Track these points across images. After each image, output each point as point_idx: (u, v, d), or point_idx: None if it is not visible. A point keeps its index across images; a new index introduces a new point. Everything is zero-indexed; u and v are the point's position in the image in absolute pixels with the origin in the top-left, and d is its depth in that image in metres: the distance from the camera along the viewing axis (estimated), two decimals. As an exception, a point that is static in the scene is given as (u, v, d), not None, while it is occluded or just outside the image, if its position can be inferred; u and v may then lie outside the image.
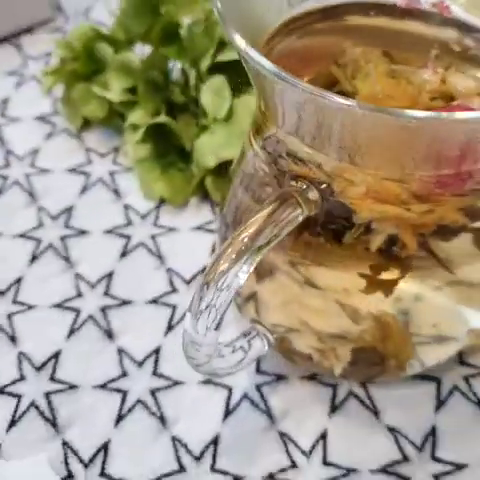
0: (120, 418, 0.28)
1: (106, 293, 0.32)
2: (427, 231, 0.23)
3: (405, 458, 0.27)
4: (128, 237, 0.34)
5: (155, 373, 0.29)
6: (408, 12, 0.25)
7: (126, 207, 0.35)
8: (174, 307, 0.31)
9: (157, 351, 0.30)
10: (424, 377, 0.29)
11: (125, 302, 0.31)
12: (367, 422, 0.28)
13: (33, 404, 0.28)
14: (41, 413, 0.28)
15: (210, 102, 0.34)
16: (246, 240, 0.20)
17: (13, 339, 0.30)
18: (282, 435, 0.28)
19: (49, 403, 0.28)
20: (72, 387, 0.29)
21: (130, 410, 0.28)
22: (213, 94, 0.34)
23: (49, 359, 0.30)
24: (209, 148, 0.34)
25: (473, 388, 0.29)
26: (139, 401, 0.28)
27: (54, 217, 0.34)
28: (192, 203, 0.35)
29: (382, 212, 0.22)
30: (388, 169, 0.21)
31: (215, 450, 0.27)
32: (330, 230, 0.24)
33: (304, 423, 0.28)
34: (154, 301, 0.31)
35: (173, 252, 0.33)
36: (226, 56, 0.34)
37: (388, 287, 0.25)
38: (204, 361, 0.22)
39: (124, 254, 0.33)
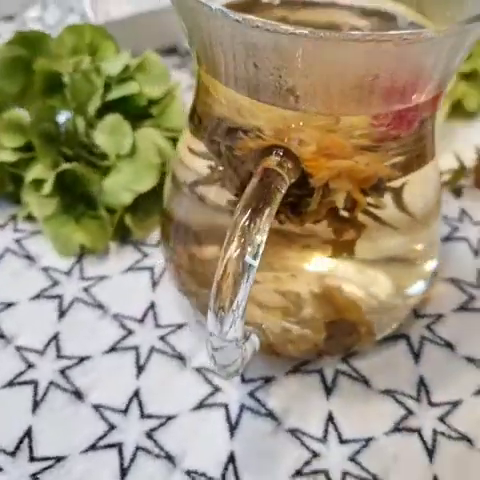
0: (124, 473, 0.26)
1: (59, 356, 0.29)
2: (368, 186, 0.25)
3: (410, 412, 0.28)
4: (60, 297, 0.32)
5: (143, 415, 0.27)
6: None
7: (45, 269, 0.33)
8: (136, 348, 0.30)
9: (137, 394, 0.28)
10: (394, 337, 0.30)
11: (83, 358, 0.29)
12: (362, 393, 0.28)
13: (22, 492, 0.25)
14: (35, 498, 0.25)
15: (107, 142, 0.33)
16: (248, 227, 0.20)
17: (-29, 434, 0.26)
18: (292, 431, 0.27)
19: (40, 485, 0.25)
20: (59, 459, 0.26)
21: (132, 460, 0.26)
22: (108, 134, 0.34)
23: (21, 441, 0.26)
24: (120, 186, 0.33)
25: (437, 333, 0.31)
26: (138, 448, 0.26)
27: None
28: (113, 248, 0.34)
29: (336, 168, 0.23)
30: (337, 108, 0.22)
31: (235, 468, 0.26)
32: (289, 204, 0.25)
33: (308, 413, 0.28)
34: (113, 349, 0.30)
35: (112, 298, 0.32)
36: (116, 93, 0.34)
37: (351, 247, 0.26)
38: (233, 361, 0.22)
39: (62, 314, 0.31)
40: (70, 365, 0.29)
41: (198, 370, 0.29)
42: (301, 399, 0.28)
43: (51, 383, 0.28)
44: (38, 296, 0.32)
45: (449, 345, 0.30)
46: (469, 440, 0.27)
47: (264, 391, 0.28)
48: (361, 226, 0.26)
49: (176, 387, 0.28)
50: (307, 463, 0.26)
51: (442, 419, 0.28)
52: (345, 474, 0.26)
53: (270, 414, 0.27)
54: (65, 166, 0.32)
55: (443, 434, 0.27)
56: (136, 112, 0.34)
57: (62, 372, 0.29)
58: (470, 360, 0.30)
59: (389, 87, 0.21)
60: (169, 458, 0.26)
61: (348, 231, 0.26)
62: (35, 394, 0.28)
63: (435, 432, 0.27)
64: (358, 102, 0.22)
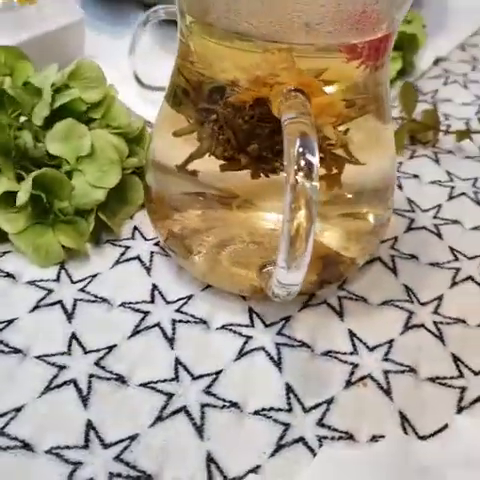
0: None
1: (86, 351, 0.29)
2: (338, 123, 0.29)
3: (410, 312, 0.32)
4: (60, 301, 0.31)
5: (193, 378, 0.28)
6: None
7: (31, 282, 0.32)
8: (159, 325, 0.31)
9: (179, 363, 0.29)
10: (370, 261, 0.35)
11: (111, 347, 0.29)
12: (366, 309, 0.32)
13: None
14: None
15: (63, 148, 0.34)
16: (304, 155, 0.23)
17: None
18: (327, 353, 0.30)
19: None
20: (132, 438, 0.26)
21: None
22: (63, 140, 0.34)
23: (87, 434, 0.26)
24: (89, 185, 0.34)
25: (401, 251, 0.36)
26: (203, 405, 0.27)
27: None
28: (91, 250, 0.34)
29: (319, 105, 0.27)
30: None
31: (296, 396, 0.28)
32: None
33: (332, 336, 0.31)
34: (137, 332, 0.30)
35: (113, 291, 0.32)
36: (62, 100, 0.34)
37: (338, 181, 0.30)
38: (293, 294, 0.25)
39: (70, 316, 0.31)
40: (102, 356, 0.29)
41: (224, 328, 0.31)
42: (321, 326, 0.31)
43: (91, 376, 0.28)
44: (37, 307, 0.31)
45: (413, 256, 0.35)
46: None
47: (288, 328, 0.31)
48: (343, 160, 0.30)
49: (212, 347, 0.30)
50: (352, 374, 0.29)
51: (436, 311, 0.33)
52: (386, 372, 0.29)
53: (303, 344, 0.30)
54: (40, 171, 0.32)
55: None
56: (77, 118, 0.35)
57: (97, 364, 0.29)
58: (434, 264, 0.35)
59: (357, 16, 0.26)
60: (234, 405, 0.27)
61: (333, 166, 0.30)
62: (79, 390, 0.28)
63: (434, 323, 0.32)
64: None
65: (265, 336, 0.30)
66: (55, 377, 0.28)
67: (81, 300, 0.32)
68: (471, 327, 0.32)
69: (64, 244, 0.33)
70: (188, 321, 0.31)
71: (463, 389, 0.29)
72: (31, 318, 0.31)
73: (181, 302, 0.32)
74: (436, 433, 0.27)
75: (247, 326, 0.31)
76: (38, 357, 0.29)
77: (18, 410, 0.27)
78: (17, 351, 0.29)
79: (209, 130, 0.29)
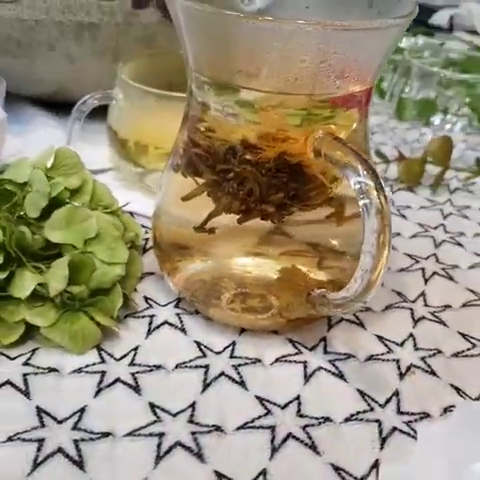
0: (312, 447, 0.29)
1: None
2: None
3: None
4: (116, 381, 0.31)
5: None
6: None
7: (77, 372, 0.32)
8: (206, 367, 0.32)
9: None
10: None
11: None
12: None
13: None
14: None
15: (67, 234, 0.34)
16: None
17: None
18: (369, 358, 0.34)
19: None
20: None
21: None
22: (64, 227, 0.34)
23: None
24: (105, 264, 0.34)
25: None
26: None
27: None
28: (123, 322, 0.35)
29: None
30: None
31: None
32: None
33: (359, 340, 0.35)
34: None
35: (163, 355, 0.33)
36: (59, 187, 0.35)
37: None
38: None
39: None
40: (191, 413, 0.30)
41: (278, 361, 0.33)
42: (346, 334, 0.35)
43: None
44: (100, 390, 0.31)
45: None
46: (451, 303, 0.39)
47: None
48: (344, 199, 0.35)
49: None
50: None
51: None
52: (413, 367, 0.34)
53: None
54: (66, 257, 0.32)
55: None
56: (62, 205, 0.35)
57: (190, 421, 0.29)
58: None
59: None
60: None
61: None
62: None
63: (433, 310, 0.38)
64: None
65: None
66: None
67: (138, 373, 0.32)
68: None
69: (102, 323, 0.33)
70: (246, 363, 0.33)
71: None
72: (101, 402, 0.30)
73: (229, 349, 0.34)
74: None
75: (297, 353, 0.34)
76: (129, 434, 0.29)
77: None
78: (106, 434, 0.29)
79: (227, 188, 0.32)
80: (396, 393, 0.32)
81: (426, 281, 0.41)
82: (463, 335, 0.36)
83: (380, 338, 0.36)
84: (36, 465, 0.27)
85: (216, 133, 0.32)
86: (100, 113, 0.48)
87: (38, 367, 0.32)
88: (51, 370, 0.32)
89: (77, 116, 0.44)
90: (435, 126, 0.63)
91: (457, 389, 0.33)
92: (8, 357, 0.32)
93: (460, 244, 0.45)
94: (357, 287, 0.28)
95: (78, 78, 0.51)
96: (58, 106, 0.55)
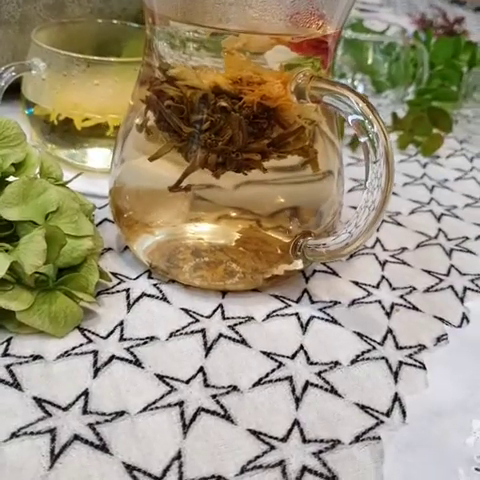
0: None
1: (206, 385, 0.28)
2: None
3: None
4: (113, 358, 0.29)
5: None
6: None
7: (64, 355, 0.29)
8: (203, 330, 0.31)
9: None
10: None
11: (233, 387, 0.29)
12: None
13: None
14: None
15: (25, 210, 0.31)
16: None
17: None
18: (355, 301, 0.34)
19: None
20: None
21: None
22: (20, 202, 0.31)
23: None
24: (73, 238, 0.31)
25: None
26: (309, 384, 0.29)
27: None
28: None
29: None
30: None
31: (366, 337, 0.32)
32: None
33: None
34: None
35: (154, 325, 0.31)
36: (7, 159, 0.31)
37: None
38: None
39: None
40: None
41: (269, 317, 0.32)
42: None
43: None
44: (98, 370, 0.28)
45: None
46: None
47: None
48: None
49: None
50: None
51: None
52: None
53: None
54: (36, 231, 0.29)
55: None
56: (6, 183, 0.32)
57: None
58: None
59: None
60: (337, 362, 0.30)
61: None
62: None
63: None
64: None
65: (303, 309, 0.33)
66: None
67: (132, 347, 0.29)
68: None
69: (85, 299, 0.30)
70: (240, 322, 0.32)
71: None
72: (103, 381, 0.27)
73: (218, 312, 0.32)
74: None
75: (286, 307, 0.33)
76: (145, 409, 0.26)
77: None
78: (120, 413, 0.26)
79: (204, 140, 0.31)
80: (389, 330, 0.33)
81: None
82: (428, 272, 0.38)
83: (356, 283, 0.36)
84: (55, 457, 0.24)
85: (186, 81, 0.31)
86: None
87: (19, 356, 0.28)
88: (35, 357, 0.28)
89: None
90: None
91: (441, 319, 0.34)
92: (-19, 351, 0.28)
93: (395, 193, 0.47)
94: (362, 226, 0.28)
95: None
96: None
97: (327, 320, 0.33)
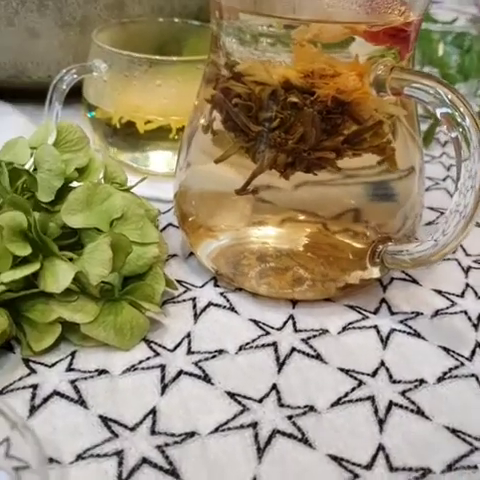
0: (418, 413, 0.26)
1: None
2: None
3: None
4: (181, 374, 0.27)
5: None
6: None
7: (130, 370, 0.27)
8: (274, 344, 0.29)
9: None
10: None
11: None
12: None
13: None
14: None
15: (90, 217, 0.30)
16: None
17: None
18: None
19: None
20: None
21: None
22: (84, 209, 0.30)
23: (339, 466, 0.23)
24: (138, 245, 0.30)
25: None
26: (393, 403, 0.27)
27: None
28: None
29: None
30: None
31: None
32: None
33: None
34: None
35: (224, 338, 0.29)
36: (74, 162, 0.30)
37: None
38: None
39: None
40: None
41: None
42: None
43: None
44: (165, 386, 0.26)
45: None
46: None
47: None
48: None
49: (355, 346, 0.29)
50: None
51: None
52: None
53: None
54: (104, 238, 0.27)
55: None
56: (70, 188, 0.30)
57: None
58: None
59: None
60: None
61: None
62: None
63: (478, 258, 0.36)
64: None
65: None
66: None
67: (200, 361, 0.28)
68: None
69: (151, 310, 0.28)
70: (314, 335, 0.30)
71: None
72: (171, 399, 0.26)
73: (289, 324, 0.30)
74: None
75: (363, 319, 0.31)
76: (216, 430, 0.25)
77: None
78: (190, 435, 0.24)
79: (273, 139, 0.29)
80: (478, 344, 0.30)
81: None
82: None
83: (439, 292, 0.33)
84: (123, 482, 0.23)
85: (255, 77, 0.29)
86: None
87: (85, 371, 0.27)
88: (101, 372, 0.27)
89: (57, 97, 0.39)
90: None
91: None
92: (45, 365, 0.27)
93: (474, 193, 0.44)
94: (452, 233, 0.26)
95: (39, 56, 0.45)
96: (11, 91, 0.49)
97: (409, 333, 0.30)
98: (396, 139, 0.30)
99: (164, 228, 0.37)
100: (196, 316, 0.30)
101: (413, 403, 0.26)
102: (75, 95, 0.43)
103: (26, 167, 0.31)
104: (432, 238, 0.27)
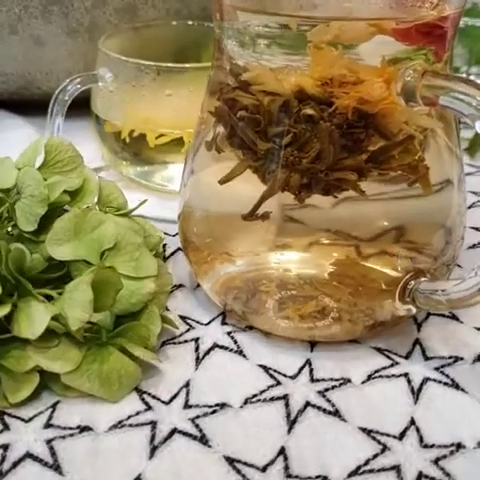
0: None
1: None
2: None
3: None
4: (174, 432, 0.23)
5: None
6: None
7: (116, 427, 0.24)
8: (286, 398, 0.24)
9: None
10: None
11: (284, 451, 0.23)
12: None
13: None
14: None
15: (77, 248, 0.26)
16: None
17: None
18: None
19: None
20: None
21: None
22: (72, 238, 0.26)
23: None
24: (132, 280, 0.26)
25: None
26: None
27: None
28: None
29: None
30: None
31: None
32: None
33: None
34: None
35: (227, 390, 0.25)
36: (58, 187, 0.27)
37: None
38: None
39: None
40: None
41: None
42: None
43: None
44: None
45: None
46: None
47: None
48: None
49: (381, 399, 0.25)
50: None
51: None
52: None
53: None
54: (89, 274, 0.24)
55: None
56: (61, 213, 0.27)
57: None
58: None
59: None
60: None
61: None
62: None
63: None
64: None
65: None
66: None
67: (198, 417, 0.24)
68: None
69: (141, 356, 0.25)
70: (334, 386, 0.25)
71: None
72: (160, 465, 0.22)
73: (305, 371, 0.26)
74: None
75: (392, 365, 0.26)
76: None
77: None
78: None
79: (285, 157, 0.25)
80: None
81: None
82: None
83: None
84: None
85: (263, 86, 0.25)
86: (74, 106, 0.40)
87: (65, 428, 0.24)
88: (83, 429, 0.23)
89: (59, 109, 0.36)
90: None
91: None
92: (22, 419, 0.24)
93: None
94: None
95: (47, 66, 0.42)
96: (22, 103, 0.46)
97: (446, 383, 0.26)
98: (429, 153, 0.26)
99: (173, 253, 0.34)
100: (198, 360, 0.27)
101: (447, 475, 0.22)
102: (84, 106, 0.40)
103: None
104: (475, 273, 0.23)
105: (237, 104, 0.26)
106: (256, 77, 0.25)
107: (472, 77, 0.59)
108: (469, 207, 0.39)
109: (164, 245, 0.34)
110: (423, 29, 0.25)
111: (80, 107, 0.40)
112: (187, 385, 0.25)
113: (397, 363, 0.27)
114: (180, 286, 0.31)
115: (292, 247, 0.28)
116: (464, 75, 0.59)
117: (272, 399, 0.25)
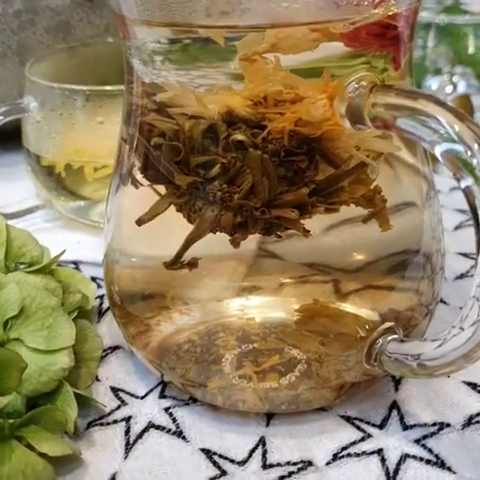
0: None
1: None
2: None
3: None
4: None
5: None
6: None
7: None
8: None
9: None
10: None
11: None
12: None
13: None
14: None
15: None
16: None
17: None
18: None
19: None
20: None
21: None
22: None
23: None
24: (41, 353, 0.22)
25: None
26: None
27: None
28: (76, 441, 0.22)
29: None
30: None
31: None
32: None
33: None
34: None
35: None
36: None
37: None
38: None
39: None
40: None
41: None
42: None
43: None
44: None
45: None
46: None
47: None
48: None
49: None
50: None
51: None
52: None
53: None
54: None
55: None
56: None
57: None
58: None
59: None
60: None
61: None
62: None
63: None
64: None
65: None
66: None
67: None
68: None
69: (50, 453, 0.20)
70: (291, 472, 0.21)
71: None
72: None
73: (257, 454, 0.21)
74: None
75: (363, 439, 0.22)
76: None
77: None
78: None
79: (212, 193, 0.21)
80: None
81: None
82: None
83: (473, 386, 0.24)
84: None
85: (183, 108, 0.20)
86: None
87: None
88: None
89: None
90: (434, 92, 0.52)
91: None
92: None
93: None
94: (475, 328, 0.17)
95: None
96: None
97: (429, 461, 0.21)
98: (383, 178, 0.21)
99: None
100: (128, 447, 0.22)
101: None
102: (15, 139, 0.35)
103: None
104: (449, 333, 0.18)
105: (153, 130, 0.21)
106: (174, 98, 0.21)
107: (456, 77, 0.54)
108: (455, 228, 0.35)
109: (101, 296, 0.29)
110: (374, 30, 0.21)
111: (12, 139, 0.36)
112: (113, 479, 0.21)
113: (369, 436, 0.22)
114: (116, 349, 0.27)
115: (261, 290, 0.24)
116: (448, 75, 0.55)
117: (214, 497, 0.20)
